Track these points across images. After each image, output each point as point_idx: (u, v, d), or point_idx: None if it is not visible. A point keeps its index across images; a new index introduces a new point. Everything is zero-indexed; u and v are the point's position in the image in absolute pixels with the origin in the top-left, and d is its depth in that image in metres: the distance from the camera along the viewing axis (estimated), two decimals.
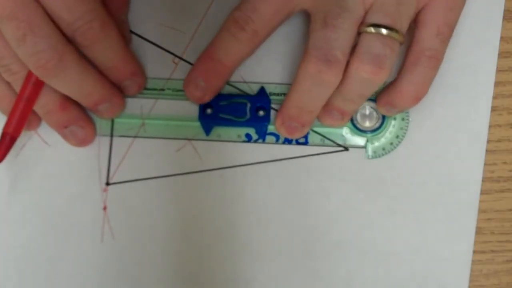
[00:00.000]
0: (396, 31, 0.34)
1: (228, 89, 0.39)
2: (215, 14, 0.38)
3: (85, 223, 0.39)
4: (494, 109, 0.39)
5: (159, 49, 0.40)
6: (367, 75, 0.34)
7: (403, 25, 0.34)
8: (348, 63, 0.34)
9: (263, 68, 0.39)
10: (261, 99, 0.38)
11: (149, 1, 0.40)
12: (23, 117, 0.36)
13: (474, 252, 0.39)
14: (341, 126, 0.39)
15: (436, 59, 0.35)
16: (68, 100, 0.37)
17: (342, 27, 0.34)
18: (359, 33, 0.34)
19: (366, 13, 0.35)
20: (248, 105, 0.38)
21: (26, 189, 0.39)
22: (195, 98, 0.38)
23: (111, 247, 0.39)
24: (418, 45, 0.35)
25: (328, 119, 0.38)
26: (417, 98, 0.36)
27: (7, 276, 0.39)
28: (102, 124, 0.39)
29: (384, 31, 0.34)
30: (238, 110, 0.38)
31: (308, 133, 0.39)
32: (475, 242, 0.39)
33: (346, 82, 0.35)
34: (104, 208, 0.39)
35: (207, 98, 0.38)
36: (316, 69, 0.34)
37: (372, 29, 0.34)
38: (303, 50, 0.35)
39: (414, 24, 0.36)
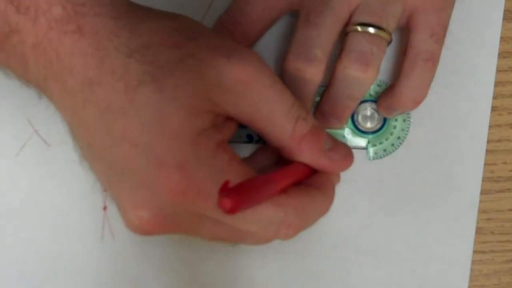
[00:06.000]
0: (383, 29, 0.34)
1: None
2: (215, 14, 0.38)
3: (85, 223, 0.39)
4: (494, 109, 0.39)
5: None
6: (355, 72, 0.34)
7: (390, 24, 0.34)
8: (335, 64, 0.34)
9: None
10: None
11: (149, 1, 0.40)
12: (252, 198, 0.27)
13: (474, 252, 0.39)
14: (339, 128, 0.39)
15: (433, 61, 0.35)
16: None
17: (323, 26, 0.34)
18: (346, 33, 0.34)
19: (351, 14, 0.35)
20: None
21: (26, 189, 0.39)
22: None
23: (111, 247, 0.39)
24: (414, 49, 0.35)
25: (324, 122, 0.38)
26: (417, 101, 0.36)
27: (7, 276, 0.39)
28: None
29: (371, 29, 0.34)
30: None
31: None
32: (475, 242, 0.39)
33: (334, 83, 0.35)
34: (104, 208, 0.39)
35: None
36: (295, 67, 0.34)
37: (358, 28, 0.34)
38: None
39: (407, 29, 0.36)
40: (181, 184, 0.27)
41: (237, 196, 0.25)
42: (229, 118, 0.30)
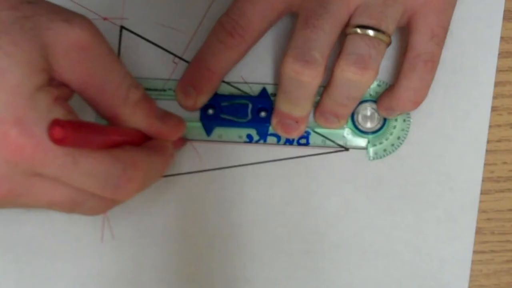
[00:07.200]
0: (383, 32, 0.34)
1: (229, 90, 0.39)
2: (215, 14, 0.38)
3: (85, 223, 0.39)
4: (494, 109, 0.39)
5: (159, 49, 0.40)
6: (352, 75, 0.34)
7: (390, 27, 0.34)
8: (334, 65, 0.34)
9: (265, 69, 0.39)
10: (263, 100, 0.38)
11: (149, 1, 0.40)
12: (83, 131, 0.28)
13: (474, 252, 0.39)
14: (339, 128, 0.39)
15: (433, 62, 0.35)
16: None
17: (322, 28, 0.34)
18: (345, 35, 0.34)
19: (350, 16, 0.35)
20: (250, 106, 0.38)
21: None
22: (186, 106, 0.38)
23: (111, 247, 0.39)
24: (414, 50, 0.35)
25: (324, 122, 0.38)
26: (417, 102, 0.36)
27: (7, 276, 0.39)
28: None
29: (370, 32, 0.34)
30: (239, 111, 0.38)
31: (309, 134, 0.39)
32: (475, 242, 0.39)
33: (333, 85, 0.35)
34: None
35: (198, 105, 0.38)
36: (293, 69, 0.34)
37: (358, 30, 0.34)
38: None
39: (408, 29, 0.36)
40: (19, 140, 0.26)
41: (68, 125, 0.26)
42: (63, 84, 0.29)
